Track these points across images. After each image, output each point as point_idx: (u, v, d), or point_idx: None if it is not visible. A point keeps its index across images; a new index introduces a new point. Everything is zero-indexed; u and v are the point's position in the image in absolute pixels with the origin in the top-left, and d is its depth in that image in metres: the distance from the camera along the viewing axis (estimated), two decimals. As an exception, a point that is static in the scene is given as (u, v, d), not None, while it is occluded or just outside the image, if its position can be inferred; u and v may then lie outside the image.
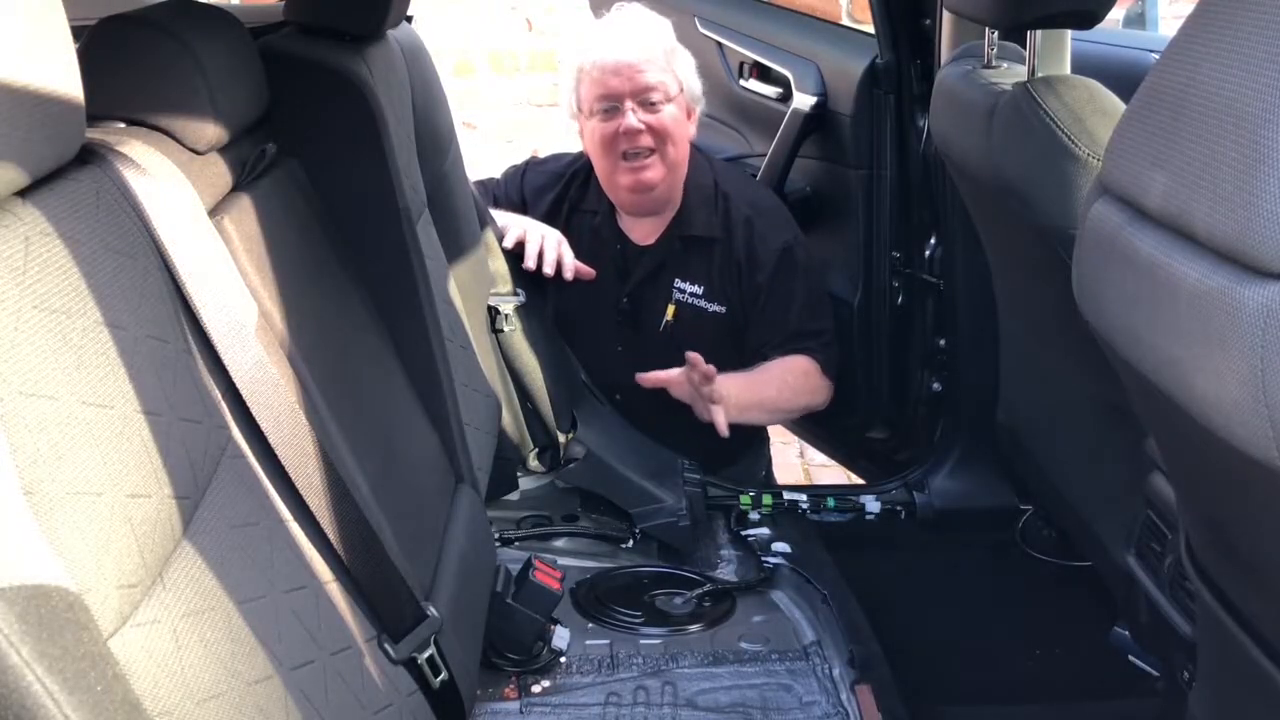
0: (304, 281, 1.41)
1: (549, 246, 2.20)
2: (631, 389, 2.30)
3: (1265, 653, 0.95)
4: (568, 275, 2.20)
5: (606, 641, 1.76)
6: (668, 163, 2.14)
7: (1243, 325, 0.72)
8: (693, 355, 1.97)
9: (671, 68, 2.13)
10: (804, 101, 2.37)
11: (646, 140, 2.11)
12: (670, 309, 2.22)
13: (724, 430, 2.00)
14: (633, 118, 2.09)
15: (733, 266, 2.19)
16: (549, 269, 2.18)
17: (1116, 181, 0.93)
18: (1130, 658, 1.72)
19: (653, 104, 2.10)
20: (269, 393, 1.10)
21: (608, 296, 2.26)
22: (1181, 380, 0.82)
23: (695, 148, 2.26)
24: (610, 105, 2.11)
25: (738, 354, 2.15)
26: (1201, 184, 0.77)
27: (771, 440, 2.67)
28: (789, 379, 2.16)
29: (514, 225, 2.24)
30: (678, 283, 2.22)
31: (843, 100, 2.31)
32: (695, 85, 2.20)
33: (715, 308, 2.20)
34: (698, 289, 2.21)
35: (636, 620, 1.81)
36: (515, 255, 2.25)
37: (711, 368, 1.97)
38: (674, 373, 2.04)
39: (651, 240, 2.24)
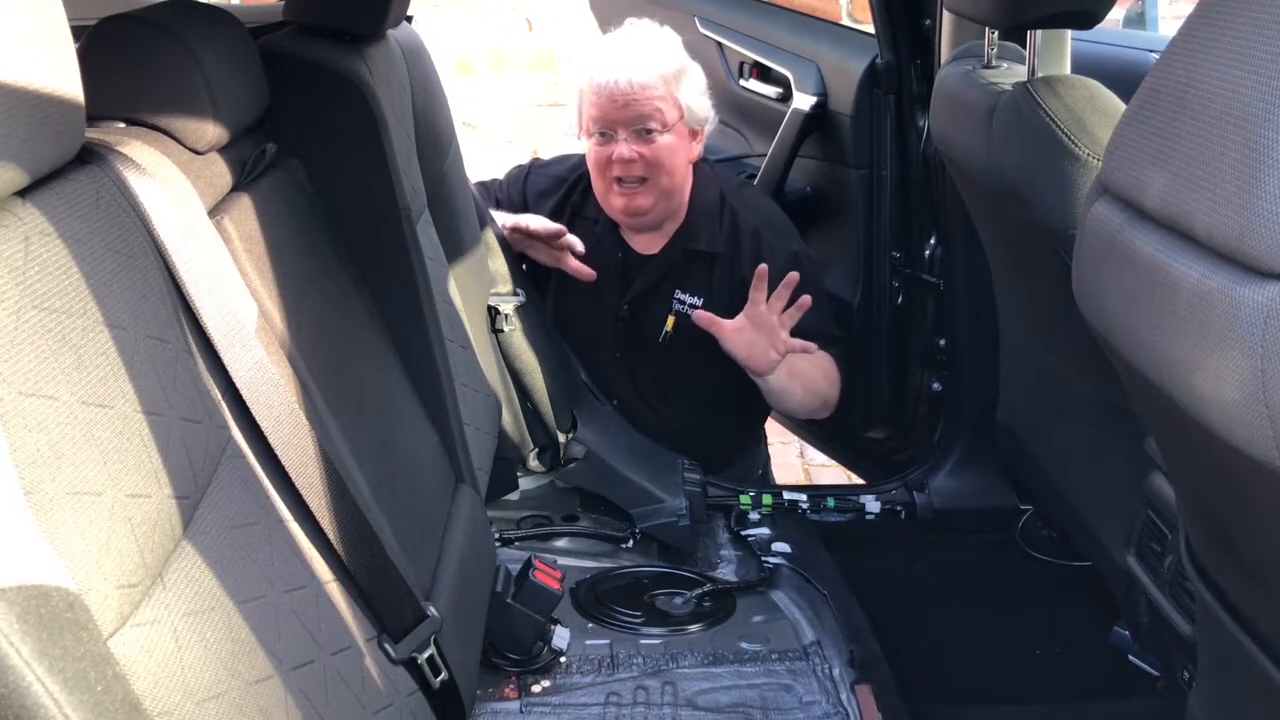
0: (304, 281, 1.41)
1: (552, 224, 2.21)
2: (629, 395, 2.30)
3: (1265, 653, 0.95)
4: (578, 249, 2.20)
5: (606, 641, 1.76)
6: (659, 191, 2.13)
7: (1242, 325, 0.72)
8: (762, 269, 1.99)
9: (673, 93, 2.10)
10: (804, 101, 2.37)
11: (639, 170, 2.10)
12: (670, 319, 2.21)
13: (803, 346, 2.04)
14: (625, 148, 2.08)
15: (736, 280, 2.17)
16: (557, 228, 2.19)
17: (1116, 181, 0.93)
18: (1130, 658, 1.72)
19: (648, 133, 2.08)
20: (269, 393, 1.10)
21: (608, 304, 2.25)
22: (1181, 380, 0.82)
23: (705, 161, 2.25)
24: (605, 130, 2.10)
25: (735, 367, 2.15)
26: (1201, 184, 0.77)
27: (771, 440, 2.67)
28: (821, 363, 2.16)
29: (512, 216, 2.25)
30: (678, 294, 2.21)
31: (843, 100, 2.31)
32: (701, 106, 2.17)
33: None
34: (697, 301, 2.19)
35: (636, 620, 1.81)
36: (515, 255, 2.25)
37: (794, 274, 2.00)
38: (729, 322, 2.05)
39: (654, 250, 2.23)
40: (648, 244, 2.24)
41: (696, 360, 2.21)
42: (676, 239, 2.21)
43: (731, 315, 2.14)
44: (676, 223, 2.21)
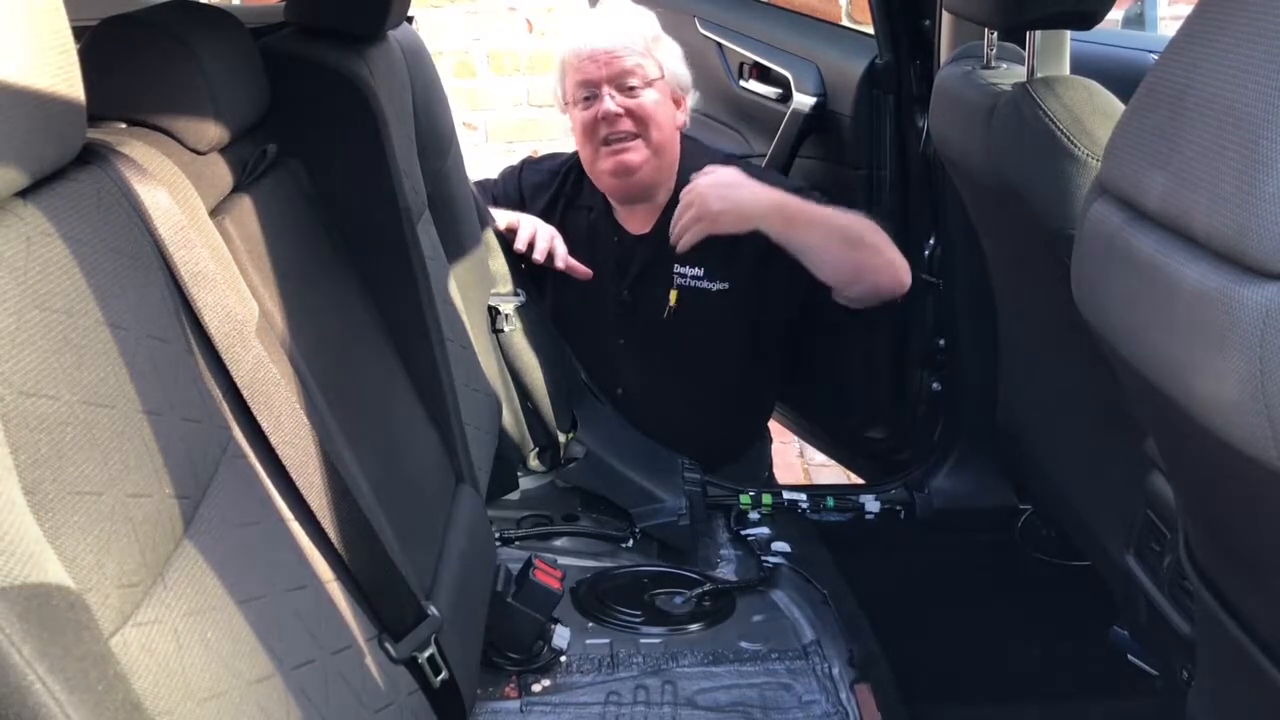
0: (304, 281, 1.41)
1: (541, 235, 2.22)
2: (634, 383, 2.31)
3: (1264, 652, 0.95)
4: (559, 264, 2.21)
5: (606, 641, 1.76)
6: (651, 146, 2.15)
7: (1242, 325, 0.72)
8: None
9: (652, 54, 2.14)
10: (804, 102, 2.37)
11: (626, 124, 2.12)
12: (673, 295, 2.22)
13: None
14: (610, 102, 2.10)
15: (730, 242, 2.15)
16: (539, 256, 2.20)
17: (1115, 182, 0.93)
18: (1130, 657, 1.72)
19: (631, 88, 2.11)
20: (269, 392, 1.11)
21: (608, 291, 2.26)
22: (1181, 380, 0.82)
23: (691, 139, 2.26)
24: (589, 92, 2.13)
25: (745, 332, 2.15)
26: (1200, 184, 0.77)
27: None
28: (847, 213, 2.08)
29: (508, 214, 2.26)
30: (677, 268, 2.21)
31: (842, 101, 2.31)
32: (681, 72, 2.21)
33: (719, 285, 2.20)
34: (698, 271, 2.20)
35: (636, 620, 1.81)
36: (516, 255, 2.25)
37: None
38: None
39: (647, 230, 2.25)
40: (641, 224, 2.25)
41: (703, 331, 2.21)
42: (667, 213, 2.22)
43: (733, 282, 2.17)
44: (666, 196, 2.22)
